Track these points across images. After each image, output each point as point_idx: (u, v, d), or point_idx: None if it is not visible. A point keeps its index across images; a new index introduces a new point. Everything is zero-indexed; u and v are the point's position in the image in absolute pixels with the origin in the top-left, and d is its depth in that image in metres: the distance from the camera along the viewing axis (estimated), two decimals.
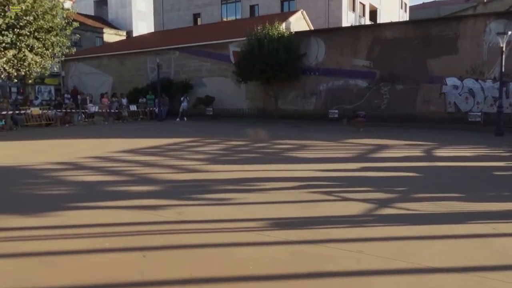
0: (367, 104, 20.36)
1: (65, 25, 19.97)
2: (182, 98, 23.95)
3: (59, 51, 20.63)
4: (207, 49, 25.16)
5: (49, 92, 33.21)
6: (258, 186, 6.85)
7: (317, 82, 21.81)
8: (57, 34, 19.69)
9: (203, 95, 24.90)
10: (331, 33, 22.19)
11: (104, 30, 41.66)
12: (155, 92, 24.62)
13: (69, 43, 20.89)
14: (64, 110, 21.16)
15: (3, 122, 18.37)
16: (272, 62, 20.41)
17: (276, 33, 21.06)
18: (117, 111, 23.49)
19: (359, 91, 20.68)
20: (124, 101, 24.45)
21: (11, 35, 17.65)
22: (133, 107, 24.47)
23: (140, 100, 25.23)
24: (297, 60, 21.40)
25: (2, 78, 19.15)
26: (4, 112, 18.47)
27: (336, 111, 20.98)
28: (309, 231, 4.54)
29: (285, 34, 21.39)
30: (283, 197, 6.11)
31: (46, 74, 23.01)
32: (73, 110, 21.79)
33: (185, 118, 23.57)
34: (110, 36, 41.55)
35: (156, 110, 24.30)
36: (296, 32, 22.38)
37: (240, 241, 4.29)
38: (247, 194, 6.29)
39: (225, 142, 13.28)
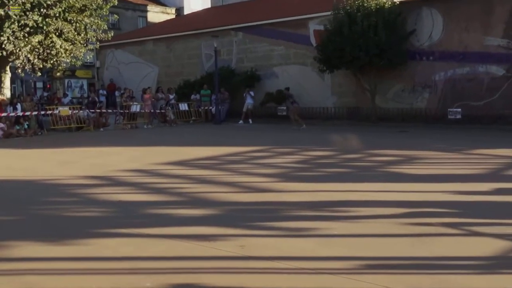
0: (503, 100, 19.33)
1: (101, 3, 20.99)
2: (245, 94, 24.28)
3: (94, 35, 21.76)
4: (279, 29, 25.38)
5: (81, 87, 35.21)
6: (348, 212, 6.76)
7: (431, 70, 21.20)
8: (91, 15, 20.74)
9: (274, 90, 25.06)
10: (452, 1, 21.43)
11: (148, 8, 43.57)
12: (211, 86, 25.20)
13: (105, 26, 21.93)
14: (99, 111, 22.30)
15: (27, 125, 19.71)
16: (368, 44, 20.14)
17: (373, 4, 20.79)
18: (162, 111, 24.36)
19: (492, 82, 19.76)
20: (172, 98, 25.27)
21: (36, 17, 18.56)
22: (183, 106, 25.24)
23: (193, 96, 25.98)
24: (402, 41, 21.01)
25: (26, 70, 20.46)
26: (28, 113, 19.81)
27: (459, 110, 20.20)
28: (423, 277, 4.39)
29: (386, 5, 21.03)
30: (383, 228, 5.97)
31: (77, 65, 24.40)
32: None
33: (250, 120, 23.88)
34: (156, 15, 43.35)
35: (213, 109, 24.89)
36: (402, 2, 21.91)
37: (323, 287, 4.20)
38: (332, 222, 6.22)
39: (303, 152, 13.27)
